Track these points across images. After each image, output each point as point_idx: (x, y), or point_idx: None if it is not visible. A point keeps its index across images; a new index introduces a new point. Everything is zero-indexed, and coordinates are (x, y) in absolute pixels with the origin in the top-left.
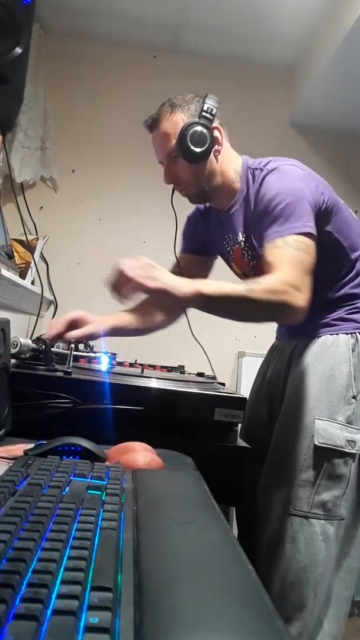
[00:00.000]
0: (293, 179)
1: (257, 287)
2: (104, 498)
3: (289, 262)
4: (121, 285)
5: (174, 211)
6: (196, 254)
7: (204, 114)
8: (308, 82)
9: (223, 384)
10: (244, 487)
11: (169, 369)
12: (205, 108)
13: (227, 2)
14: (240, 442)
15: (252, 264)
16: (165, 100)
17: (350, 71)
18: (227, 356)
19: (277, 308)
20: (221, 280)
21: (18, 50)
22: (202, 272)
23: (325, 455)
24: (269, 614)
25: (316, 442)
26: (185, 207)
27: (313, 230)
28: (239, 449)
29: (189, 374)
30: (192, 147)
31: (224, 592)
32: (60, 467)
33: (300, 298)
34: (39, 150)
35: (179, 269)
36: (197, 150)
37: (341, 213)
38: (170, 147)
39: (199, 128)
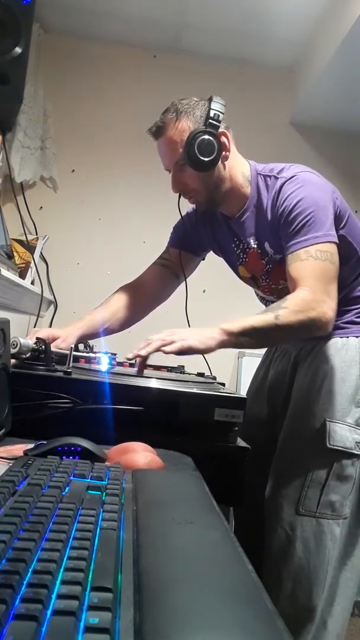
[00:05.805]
0: (313, 187)
1: (282, 312)
2: (103, 498)
3: (311, 275)
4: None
5: (181, 216)
6: (187, 251)
7: (210, 120)
8: (308, 82)
9: (223, 384)
10: (245, 487)
11: (169, 369)
12: (211, 114)
13: (227, 2)
14: (241, 443)
15: (268, 268)
16: (168, 103)
17: (350, 71)
18: (227, 356)
19: (307, 325)
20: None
21: (18, 49)
22: (188, 269)
23: (335, 457)
24: (269, 614)
25: (329, 445)
26: (191, 208)
27: (335, 238)
28: (239, 449)
29: (189, 374)
30: (200, 156)
31: (224, 592)
32: (60, 468)
33: (327, 309)
34: (39, 150)
35: (167, 262)
36: (206, 159)
37: (351, 217)
38: (177, 156)
39: (206, 136)
